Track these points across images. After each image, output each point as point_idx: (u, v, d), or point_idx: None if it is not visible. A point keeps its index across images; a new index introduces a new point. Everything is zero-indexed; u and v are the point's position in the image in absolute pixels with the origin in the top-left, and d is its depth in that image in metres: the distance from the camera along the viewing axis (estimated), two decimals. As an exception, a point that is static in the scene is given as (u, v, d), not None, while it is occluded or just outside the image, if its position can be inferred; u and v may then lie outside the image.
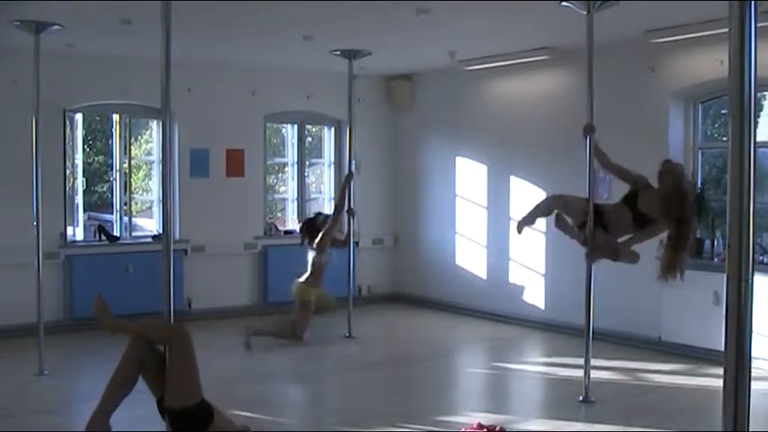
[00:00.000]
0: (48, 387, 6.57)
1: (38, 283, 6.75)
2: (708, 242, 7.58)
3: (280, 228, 10.41)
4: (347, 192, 8.49)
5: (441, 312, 9.99)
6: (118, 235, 9.30)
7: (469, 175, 9.91)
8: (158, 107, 4.51)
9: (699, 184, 7.75)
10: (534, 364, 7.62)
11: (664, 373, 6.93)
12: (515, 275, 9.31)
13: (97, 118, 10.29)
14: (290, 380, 7.05)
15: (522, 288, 9.23)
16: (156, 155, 9.77)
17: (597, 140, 5.94)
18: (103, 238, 9.17)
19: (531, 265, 9.12)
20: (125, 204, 9.41)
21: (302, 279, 8.32)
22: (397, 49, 8.63)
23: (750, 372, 2.27)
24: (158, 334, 4.34)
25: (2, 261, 8.16)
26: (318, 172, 10.98)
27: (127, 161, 9.41)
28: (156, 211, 9.78)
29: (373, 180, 10.52)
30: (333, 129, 10.72)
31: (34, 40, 6.62)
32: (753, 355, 2.31)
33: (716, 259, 7.34)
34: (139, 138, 10.48)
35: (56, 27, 6.65)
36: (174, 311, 4.31)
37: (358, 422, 5.63)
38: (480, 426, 5.25)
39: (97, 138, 11.39)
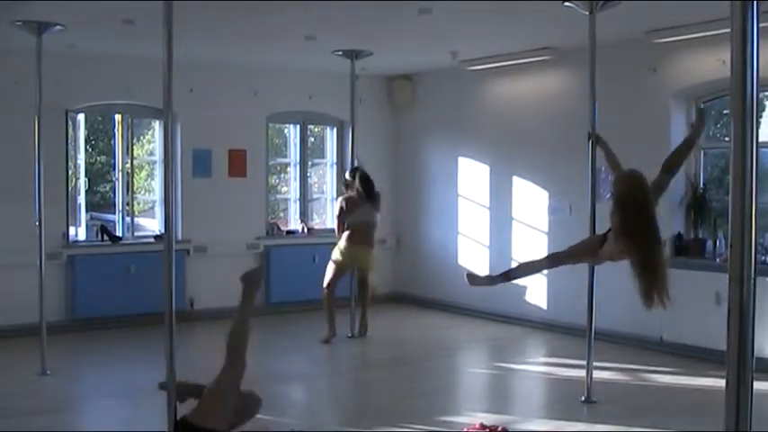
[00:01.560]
0: (50, 387, 6.58)
1: (40, 283, 6.77)
2: (710, 242, 7.58)
3: (282, 228, 10.41)
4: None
5: (443, 312, 9.99)
6: (120, 235, 9.31)
7: (471, 175, 9.91)
8: (161, 107, 4.51)
9: (701, 185, 7.76)
10: (536, 365, 7.61)
11: (666, 374, 6.92)
12: (517, 276, 9.30)
13: (99, 118, 10.31)
14: (291, 380, 7.05)
15: (524, 288, 9.22)
16: (159, 155, 9.77)
17: (605, 142, 5.87)
18: (106, 238, 9.18)
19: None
20: (127, 204, 9.41)
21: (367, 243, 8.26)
22: (398, 50, 8.63)
23: (752, 372, 2.27)
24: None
25: (4, 261, 8.17)
26: (321, 172, 10.98)
27: (129, 161, 9.41)
28: (159, 211, 9.79)
29: (375, 180, 10.49)
30: (335, 129, 10.72)
31: (36, 40, 6.63)
32: (755, 355, 2.31)
33: (718, 259, 7.33)
34: (142, 138, 10.49)
35: (58, 27, 6.66)
36: (176, 311, 4.31)
37: (358, 422, 5.64)
38: (482, 426, 5.25)
39: (99, 138, 11.42)
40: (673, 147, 7.65)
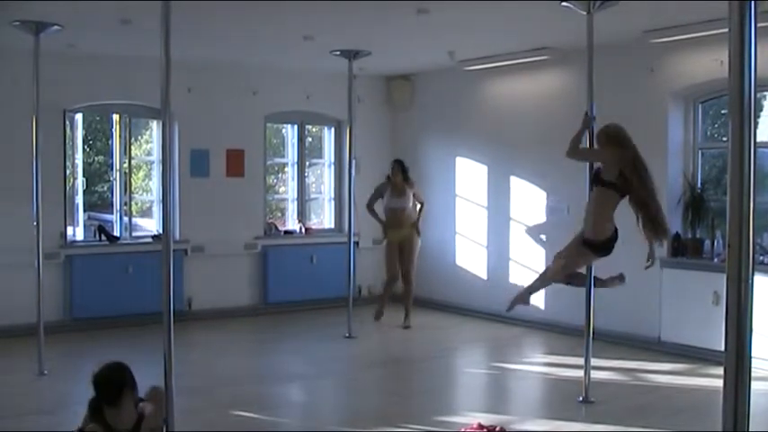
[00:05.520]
0: (48, 387, 6.56)
1: (38, 283, 6.76)
2: (708, 242, 7.58)
3: (280, 228, 10.41)
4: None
5: (441, 312, 9.99)
6: (118, 235, 9.30)
7: (469, 175, 9.91)
8: (158, 107, 4.50)
9: (699, 185, 7.76)
10: (534, 365, 7.61)
11: (663, 374, 6.93)
12: (515, 276, 9.31)
13: (97, 118, 10.29)
14: (290, 380, 7.05)
15: (522, 288, 9.21)
16: (157, 155, 9.77)
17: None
18: (103, 238, 9.17)
19: (531, 266, 9.11)
20: (125, 204, 9.41)
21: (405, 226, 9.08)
22: (396, 49, 8.63)
23: (750, 372, 2.27)
24: None
25: (2, 261, 8.16)
26: (318, 172, 10.98)
27: (127, 161, 9.41)
28: (157, 211, 9.78)
29: (373, 180, 10.49)
30: (333, 129, 10.73)
31: (34, 40, 6.62)
32: (753, 354, 2.31)
33: (716, 259, 7.34)
34: (139, 138, 10.47)
35: (55, 27, 6.65)
36: (174, 312, 4.30)
37: (358, 422, 5.64)
38: (480, 426, 5.25)
39: (97, 138, 11.38)
40: (671, 146, 7.72)
